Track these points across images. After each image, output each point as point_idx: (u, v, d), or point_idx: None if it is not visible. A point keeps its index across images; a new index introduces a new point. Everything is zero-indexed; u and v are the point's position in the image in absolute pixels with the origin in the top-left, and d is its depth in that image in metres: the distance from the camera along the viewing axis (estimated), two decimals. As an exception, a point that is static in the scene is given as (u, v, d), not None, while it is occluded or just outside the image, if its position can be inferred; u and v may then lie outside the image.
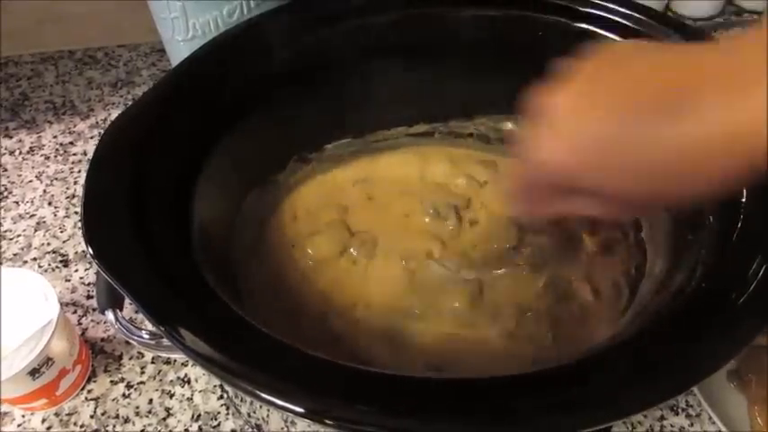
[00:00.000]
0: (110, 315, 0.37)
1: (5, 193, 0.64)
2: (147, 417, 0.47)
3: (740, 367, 0.46)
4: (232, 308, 0.32)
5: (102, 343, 0.52)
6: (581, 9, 0.47)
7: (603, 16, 0.47)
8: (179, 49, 0.57)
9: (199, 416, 0.47)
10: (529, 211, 0.35)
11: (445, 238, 0.50)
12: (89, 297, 0.55)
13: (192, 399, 0.48)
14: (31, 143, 0.69)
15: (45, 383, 0.45)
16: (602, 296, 0.46)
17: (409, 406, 0.28)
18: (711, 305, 0.32)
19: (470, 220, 0.51)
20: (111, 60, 0.80)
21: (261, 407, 0.43)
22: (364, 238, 0.50)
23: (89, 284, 0.56)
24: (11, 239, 0.60)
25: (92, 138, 0.70)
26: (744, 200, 0.35)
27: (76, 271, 0.57)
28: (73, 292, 0.55)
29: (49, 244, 0.59)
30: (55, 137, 0.70)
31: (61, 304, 0.46)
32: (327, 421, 0.27)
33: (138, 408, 0.48)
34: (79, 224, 0.55)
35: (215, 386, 0.48)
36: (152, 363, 0.50)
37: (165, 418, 0.47)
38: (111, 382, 0.49)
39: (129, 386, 0.49)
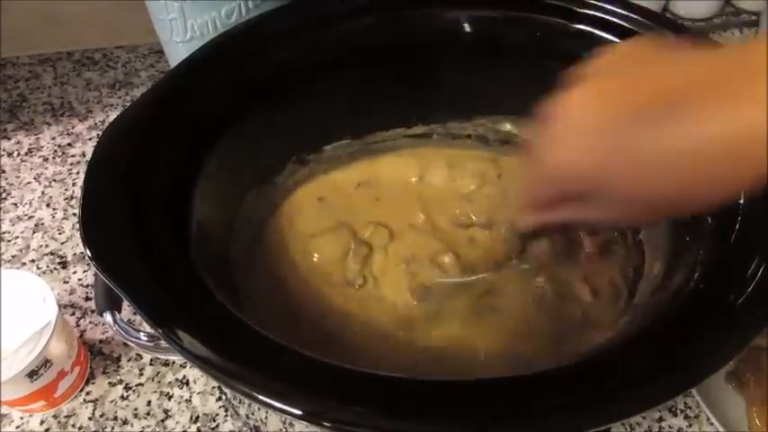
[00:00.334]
0: (108, 317, 0.37)
1: (4, 195, 0.64)
2: (146, 418, 0.47)
3: (738, 368, 0.46)
4: (230, 309, 0.32)
5: (101, 345, 0.52)
6: (579, 10, 0.47)
7: (601, 17, 0.47)
8: (177, 51, 0.57)
9: (197, 417, 0.47)
10: (536, 218, 0.35)
11: (446, 240, 0.49)
12: (87, 299, 0.55)
13: (190, 400, 0.48)
14: (30, 145, 0.69)
15: (43, 385, 0.45)
16: (601, 297, 0.46)
17: (407, 408, 0.28)
18: (710, 306, 0.32)
19: (470, 223, 0.51)
20: (110, 62, 0.80)
21: (259, 408, 0.43)
22: (365, 240, 0.50)
23: (87, 286, 0.56)
24: (9, 241, 0.60)
25: (90, 139, 0.70)
26: (742, 201, 0.35)
27: (75, 273, 0.57)
28: (71, 293, 0.55)
29: (47, 246, 0.59)
30: (53, 138, 0.70)
31: (60, 306, 0.46)
32: (325, 423, 0.27)
33: (136, 409, 0.48)
34: (77, 226, 0.55)
35: (213, 388, 0.48)
36: (150, 364, 0.50)
37: (163, 420, 0.47)
38: (110, 383, 0.49)
39: (127, 388, 0.49)
